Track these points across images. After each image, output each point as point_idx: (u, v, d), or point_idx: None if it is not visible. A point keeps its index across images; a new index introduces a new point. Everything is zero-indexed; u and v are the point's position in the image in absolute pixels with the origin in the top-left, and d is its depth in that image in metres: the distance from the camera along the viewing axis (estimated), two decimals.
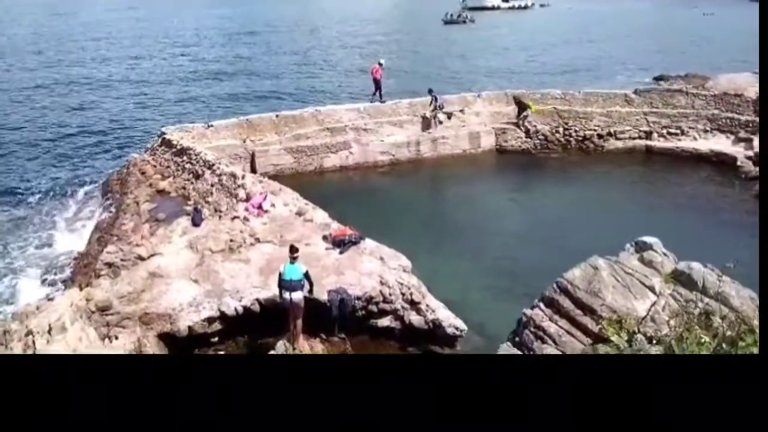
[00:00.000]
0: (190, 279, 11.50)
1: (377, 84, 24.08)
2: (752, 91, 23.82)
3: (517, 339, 8.35)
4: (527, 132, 23.93)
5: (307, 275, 10.00)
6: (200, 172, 17.07)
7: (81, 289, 11.13)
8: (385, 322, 11.26)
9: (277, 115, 22.46)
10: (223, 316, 10.62)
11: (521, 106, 24.02)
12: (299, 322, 10.21)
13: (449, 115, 23.89)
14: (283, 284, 9.93)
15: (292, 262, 10.03)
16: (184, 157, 18.27)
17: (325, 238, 12.96)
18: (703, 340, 6.92)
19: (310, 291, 10.19)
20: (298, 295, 9.91)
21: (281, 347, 9.98)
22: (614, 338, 6.96)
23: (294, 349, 10.04)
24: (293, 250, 10.27)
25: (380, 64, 24.25)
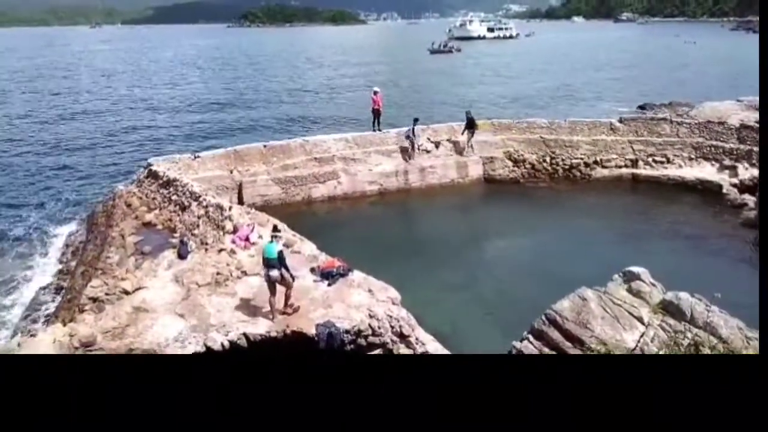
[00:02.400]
0: (176, 313, 11.31)
1: (377, 113, 24.25)
2: (735, 118, 24.22)
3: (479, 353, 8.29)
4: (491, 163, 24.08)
5: (280, 255, 10.64)
6: (187, 203, 16.96)
7: (64, 325, 10.93)
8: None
9: (264, 146, 22.47)
10: (209, 351, 10.43)
11: (471, 125, 23.93)
12: (274, 297, 10.87)
13: (437, 144, 24.02)
14: (263, 261, 10.79)
15: (271, 241, 10.80)
16: (171, 189, 18.16)
17: (313, 270, 12.84)
18: None
19: (282, 273, 10.72)
20: (274, 273, 10.65)
21: None
22: None
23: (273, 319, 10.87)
24: (275, 229, 11.18)
25: (375, 93, 24.45)
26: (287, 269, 10.81)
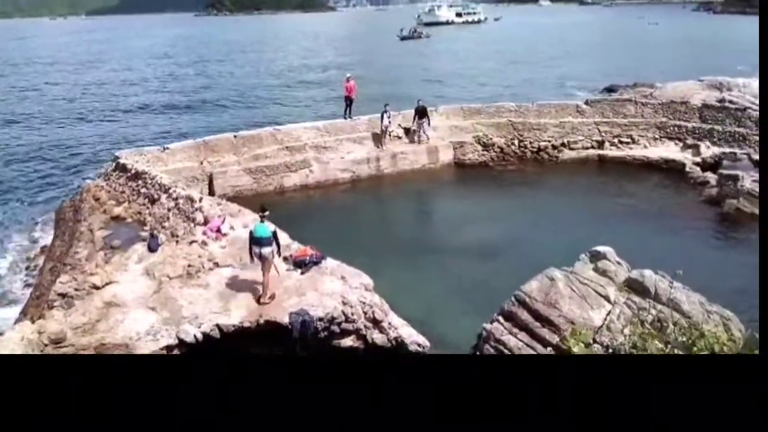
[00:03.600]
0: (147, 307, 11.24)
1: (349, 101, 24.19)
2: (697, 98, 24.72)
3: (477, 353, 8.43)
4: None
5: (274, 234, 11.09)
6: (156, 196, 16.78)
7: (33, 322, 10.79)
8: (347, 341, 11.20)
9: (235, 136, 22.29)
10: (181, 344, 10.40)
11: (422, 115, 23.89)
12: (268, 274, 11.19)
13: (407, 131, 24.07)
14: (254, 241, 11.06)
15: (261, 221, 11.17)
16: (139, 182, 17.94)
17: (285, 259, 12.84)
18: (657, 347, 7.09)
19: (278, 252, 11.31)
20: (267, 250, 11.00)
21: None
22: (575, 349, 7.07)
23: (262, 299, 11.17)
24: (263, 210, 11.43)
25: (348, 80, 24.37)
26: (279, 246, 11.26)
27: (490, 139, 24.67)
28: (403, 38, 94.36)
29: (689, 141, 23.35)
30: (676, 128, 23.96)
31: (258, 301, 11.23)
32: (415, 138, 24.14)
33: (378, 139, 23.63)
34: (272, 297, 11.26)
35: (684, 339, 7.06)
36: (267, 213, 11.42)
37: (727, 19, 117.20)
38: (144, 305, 11.32)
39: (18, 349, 9.62)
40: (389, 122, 23.32)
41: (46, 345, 10.15)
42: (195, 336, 10.44)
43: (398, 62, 64.94)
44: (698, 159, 22.07)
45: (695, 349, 6.76)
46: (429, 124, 24.02)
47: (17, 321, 12.88)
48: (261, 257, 11.09)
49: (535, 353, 7.88)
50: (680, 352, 6.85)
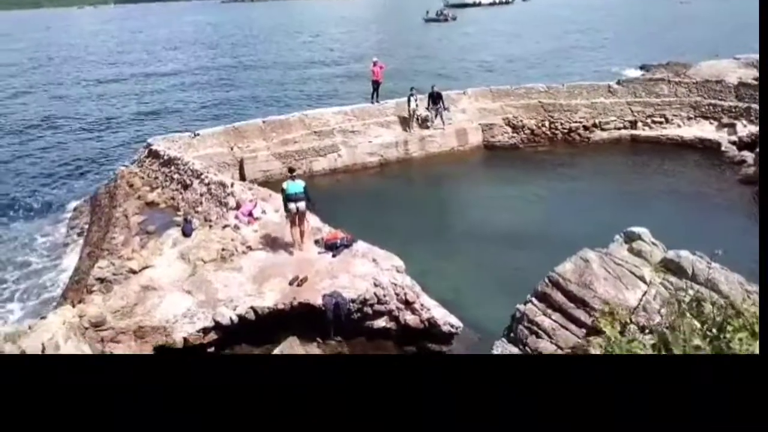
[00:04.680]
0: (183, 290, 11.46)
1: (376, 85, 24.11)
2: (733, 76, 24.08)
3: (511, 335, 8.42)
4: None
5: (305, 189, 12.26)
6: (188, 182, 17.03)
7: (73, 306, 11.08)
8: (380, 323, 11.29)
9: (263, 121, 22.43)
10: (218, 326, 10.60)
11: (435, 101, 23.45)
12: (305, 225, 12.54)
13: (436, 112, 23.71)
14: (289, 197, 12.15)
15: (293, 180, 12.32)
16: (172, 168, 18.21)
17: (317, 242, 12.96)
18: (694, 327, 7.01)
19: (309, 203, 12.38)
20: (302, 205, 12.19)
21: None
22: (607, 329, 7.02)
23: (301, 249, 12.50)
24: (292, 170, 12.86)
25: (375, 63, 24.24)
26: (310, 199, 12.35)
27: (520, 120, 24.43)
28: (428, 20, 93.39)
29: (725, 120, 22.80)
30: (711, 107, 23.40)
31: (300, 247, 12.49)
32: (429, 124, 23.83)
33: (406, 122, 23.55)
34: (305, 279, 11.39)
35: (719, 318, 6.99)
36: (296, 172, 12.82)
37: None
38: (180, 289, 11.54)
39: (60, 333, 9.89)
40: (416, 105, 23.20)
41: (86, 328, 10.42)
42: (231, 318, 10.62)
43: (424, 45, 64.39)
44: (734, 138, 21.56)
45: (731, 327, 6.68)
46: (444, 108, 23.60)
47: (58, 305, 13.24)
48: (297, 211, 12.18)
49: (512, 354, 7.86)
50: (714, 331, 6.77)
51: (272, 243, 13.06)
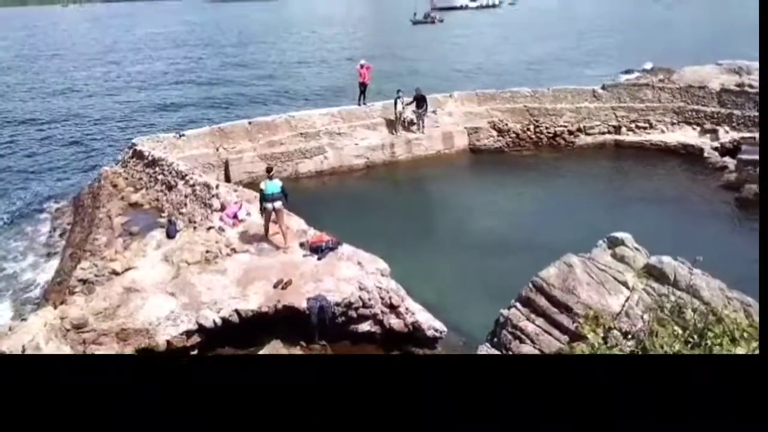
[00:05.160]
0: (167, 292, 11.39)
1: (363, 87, 24.09)
2: (716, 82, 24.34)
3: (495, 339, 8.44)
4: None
5: (283, 188, 12.76)
6: (173, 183, 16.91)
7: (55, 308, 10.98)
8: (365, 327, 11.30)
9: (249, 122, 22.34)
10: (201, 329, 10.55)
11: (420, 104, 23.31)
12: (284, 224, 12.86)
13: (418, 116, 23.63)
14: (266, 198, 12.56)
15: (270, 179, 12.75)
16: (156, 168, 18.08)
17: (302, 245, 12.94)
18: (676, 333, 7.08)
19: (286, 200, 12.86)
20: (278, 204, 12.61)
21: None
22: (590, 336, 7.08)
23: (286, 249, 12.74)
24: (269, 170, 13.18)
25: (362, 66, 24.23)
26: (287, 196, 12.83)
27: (506, 124, 24.54)
28: (415, 23, 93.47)
29: (707, 126, 23.06)
30: (694, 113, 23.66)
31: (284, 243, 12.79)
32: (413, 128, 23.80)
33: (392, 125, 23.56)
34: (289, 282, 11.36)
35: (701, 325, 7.06)
36: (273, 171, 13.18)
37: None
38: (163, 291, 11.47)
39: (41, 335, 9.79)
40: (403, 108, 23.21)
41: (68, 330, 10.32)
42: (214, 321, 10.57)
43: (411, 48, 64.47)
44: (717, 144, 21.81)
45: (711, 334, 6.76)
46: (426, 114, 23.51)
47: (39, 307, 13.09)
48: (275, 210, 12.60)
49: (512, 354, 7.88)
50: (695, 338, 6.85)
51: (257, 245, 13.01)
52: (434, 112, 24.05)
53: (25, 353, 8.95)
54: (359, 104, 24.27)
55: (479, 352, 8.13)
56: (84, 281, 12.10)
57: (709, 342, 6.58)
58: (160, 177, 17.61)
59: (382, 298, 11.30)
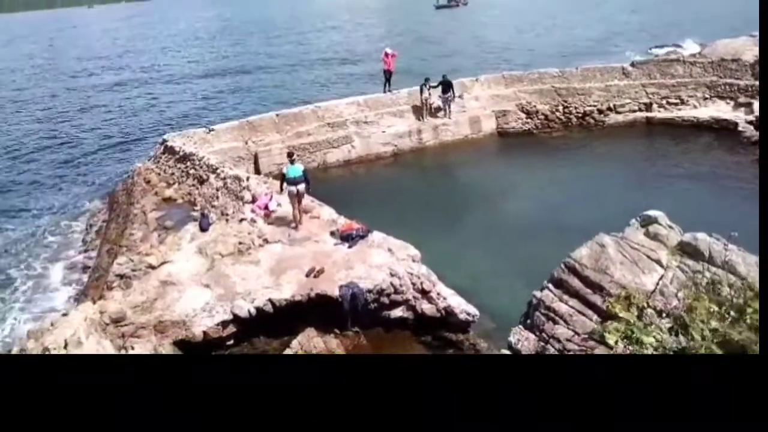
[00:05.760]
0: (202, 284, 11.61)
1: (388, 74, 24.08)
2: (750, 54, 23.66)
3: (528, 321, 8.41)
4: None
5: (305, 172, 13.16)
6: (204, 176, 17.17)
7: (94, 303, 11.26)
8: (397, 313, 11.35)
9: (277, 115, 22.48)
10: (236, 319, 10.73)
11: (446, 89, 23.14)
12: (302, 204, 13.48)
13: (444, 101, 23.44)
14: (288, 180, 13.02)
15: (292, 163, 13.20)
16: (188, 163, 18.37)
17: (332, 234, 13.04)
18: (712, 309, 6.97)
19: (308, 187, 13.28)
20: (301, 187, 13.06)
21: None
22: (623, 314, 7.02)
23: (299, 225, 13.32)
24: (291, 155, 13.72)
25: (387, 54, 24.17)
26: (308, 182, 13.23)
27: (534, 106, 24.27)
28: (439, 7, 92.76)
29: (741, 99, 22.46)
30: (727, 87, 23.07)
31: (296, 228, 13.27)
32: (439, 114, 23.69)
33: (419, 111, 23.49)
34: (321, 271, 11.46)
35: (738, 300, 6.94)
36: (295, 156, 13.72)
37: None
38: (198, 283, 11.68)
39: (81, 329, 10.06)
40: (429, 94, 23.10)
41: (107, 324, 10.60)
42: (249, 311, 10.74)
43: (435, 32, 63.97)
44: (751, 117, 21.22)
45: (750, 309, 6.64)
46: (453, 99, 23.40)
47: (78, 302, 13.46)
48: (297, 193, 13.03)
49: (513, 354, 7.84)
50: (734, 313, 6.74)
51: (289, 235, 13.15)
52: (461, 96, 23.87)
53: (25, 354, 9.11)
54: (385, 92, 24.22)
55: (512, 335, 8.11)
56: (121, 276, 12.40)
57: (748, 318, 6.48)
58: (191, 171, 17.89)
59: (413, 284, 11.34)
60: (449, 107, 23.47)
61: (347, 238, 12.62)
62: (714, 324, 6.66)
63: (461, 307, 11.08)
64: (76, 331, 9.97)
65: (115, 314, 10.70)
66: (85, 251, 17.43)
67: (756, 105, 21.65)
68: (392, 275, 11.35)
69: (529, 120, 24.18)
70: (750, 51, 23.98)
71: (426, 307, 11.21)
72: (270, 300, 10.96)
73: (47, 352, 8.80)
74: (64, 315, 11.27)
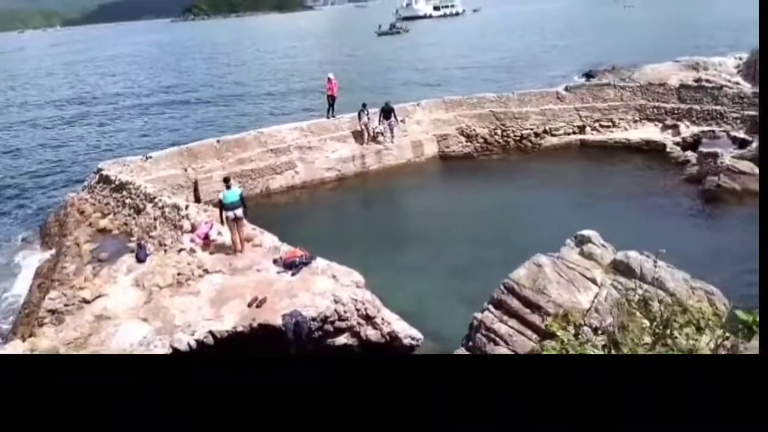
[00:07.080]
0: (139, 318, 11.23)
1: (332, 100, 24.20)
2: (674, 79, 24.97)
3: (470, 343, 8.51)
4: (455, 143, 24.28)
5: (241, 196, 13.16)
6: (141, 206, 16.72)
7: (24, 340, 10.77)
8: (341, 339, 11.25)
9: (218, 141, 22.19)
10: (175, 353, 10.41)
11: (387, 116, 23.55)
12: (243, 230, 13.26)
13: (389, 127, 23.77)
14: (226, 207, 12.92)
15: (228, 188, 13.10)
16: (124, 193, 17.87)
17: (275, 261, 12.87)
18: (644, 326, 7.20)
19: (245, 211, 13.16)
20: (239, 212, 12.97)
21: None
22: (559, 333, 7.17)
23: (240, 253, 13.16)
24: (227, 180, 13.59)
25: (330, 80, 24.42)
26: (245, 206, 13.19)
27: (473, 130, 24.81)
28: (381, 34, 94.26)
29: (669, 121, 23.59)
30: (655, 110, 24.20)
31: (237, 253, 13.11)
32: (381, 139, 23.89)
33: (360, 137, 23.64)
34: (264, 300, 11.29)
35: (666, 315, 7.20)
36: (231, 181, 13.55)
37: None
38: (135, 316, 11.30)
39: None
40: (368, 119, 23.28)
41: None
42: (189, 344, 10.44)
43: (377, 58, 64.88)
44: (678, 139, 22.32)
45: (677, 324, 6.89)
46: (396, 123, 23.66)
47: (6, 340, 12.82)
48: (235, 218, 12.93)
49: (513, 354, 7.96)
50: (661, 329, 6.97)
51: (229, 264, 12.92)
52: (402, 121, 24.18)
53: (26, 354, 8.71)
54: (328, 117, 24.32)
55: None
56: (53, 311, 11.87)
57: (675, 332, 6.71)
58: (128, 201, 17.41)
59: (357, 310, 11.28)
60: (392, 132, 23.71)
61: (290, 265, 12.48)
62: (646, 339, 6.87)
63: (405, 331, 11.09)
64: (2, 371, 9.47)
65: (46, 352, 10.23)
66: (15, 287, 16.65)
67: (682, 127, 22.78)
68: (336, 302, 11.27)
69: (469, 143, 24.68)
70: (675, 75, 25.33)
71: (371, 333, 11.16)
72: (210, 332, 10.69)
73: None
74: None
